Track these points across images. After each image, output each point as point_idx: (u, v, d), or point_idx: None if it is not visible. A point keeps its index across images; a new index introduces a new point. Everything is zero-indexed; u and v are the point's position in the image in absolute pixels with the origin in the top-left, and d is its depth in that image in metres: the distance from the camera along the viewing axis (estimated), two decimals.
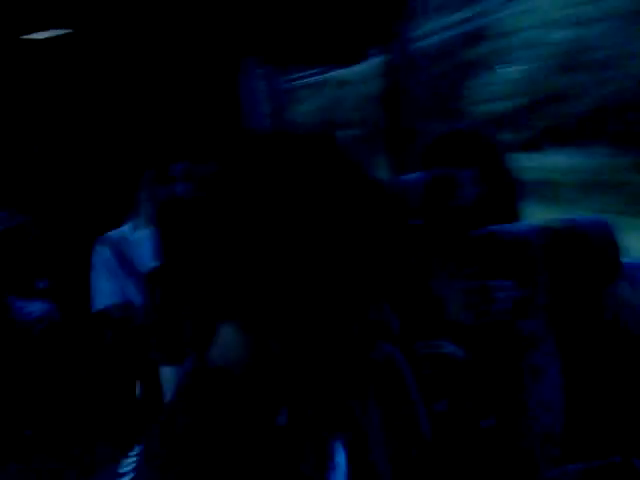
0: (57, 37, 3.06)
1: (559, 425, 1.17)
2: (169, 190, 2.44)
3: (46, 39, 3.06)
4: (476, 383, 1.21)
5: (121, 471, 0.66)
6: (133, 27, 2.99)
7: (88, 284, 2.45)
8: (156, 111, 3.51)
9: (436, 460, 0.95)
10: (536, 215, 1.73)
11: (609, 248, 1.31)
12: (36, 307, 2.11)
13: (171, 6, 2.74)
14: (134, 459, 0.67)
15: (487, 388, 1.17)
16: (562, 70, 10.11)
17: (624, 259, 1.33)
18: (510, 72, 10.92)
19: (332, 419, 0.84)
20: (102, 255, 2.46)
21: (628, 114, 8.90)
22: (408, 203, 2.10)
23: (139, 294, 2.28)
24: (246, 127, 3.68)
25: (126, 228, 2.55)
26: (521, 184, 1.79)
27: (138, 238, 2.47)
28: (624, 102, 8.93)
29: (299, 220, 0.62)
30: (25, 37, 3.03)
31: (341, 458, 0.83)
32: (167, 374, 1.55)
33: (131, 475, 0.65)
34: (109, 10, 2.75)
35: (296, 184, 0.63)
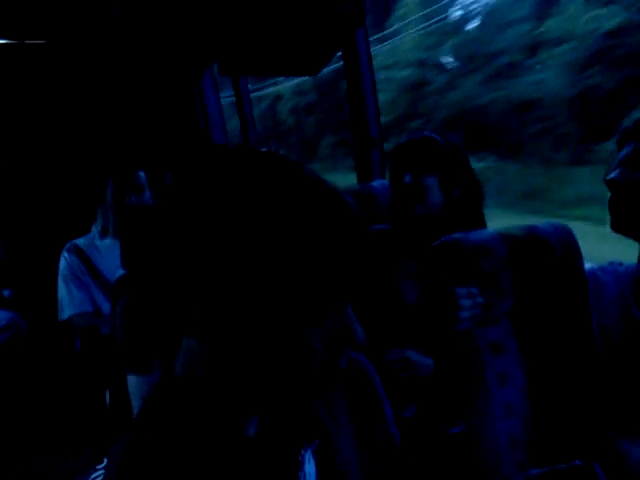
0: (14, 45, 3.02)
1: (525, 430, 1.19)
2: (134, 198, 2.42)
3: (3, 48, 3.02)
4: (443, 389, 1.22)
5: (92, 477, 0.66)
6: (94, 36, 2.96)
7: (54, 292, 2.41)
8: (118, 119, 3.49)
9: (405, 466, 0.96)
10: None
11: (571, 253, 1.33)
12: (2, 316, 2.07)
13: (132, 16, 2.72)
14: (102, 471, 0.67)
15: (454, 394, 1.19)
16: (413, 97, 15.55)
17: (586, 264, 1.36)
18: (380, 96, 14.64)
19: (301, 428, 0.84)
20: (69, 262, 2.43)
21: (458, 129, 13.47)
22: (375, 209, 2.12)
23: (107, 301, 2.25)
24: (205, 136, 3.67)
25: (93, 235, 2.52)
26: (483, 189, 1.82)
27: (106, 245, 2.45)
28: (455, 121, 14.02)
29: (258, 231, 0.62)
30: None
31: (311, 467, 0.83)
32: (134, 383, 1.53)
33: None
34: (71, 21, 2.71)
35: (255, 196, 0.63)
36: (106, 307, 2.29)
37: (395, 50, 16.17)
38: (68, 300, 2.38)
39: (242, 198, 0.63)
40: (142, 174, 2.49)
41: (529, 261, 1.29)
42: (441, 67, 15.84)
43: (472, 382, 1.21)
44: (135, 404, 1.51)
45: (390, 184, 1.83)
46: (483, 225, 1.79)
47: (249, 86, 3.79)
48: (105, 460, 0.68)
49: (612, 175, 1.33)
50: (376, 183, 2.29)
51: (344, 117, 15.17)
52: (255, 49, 2.90)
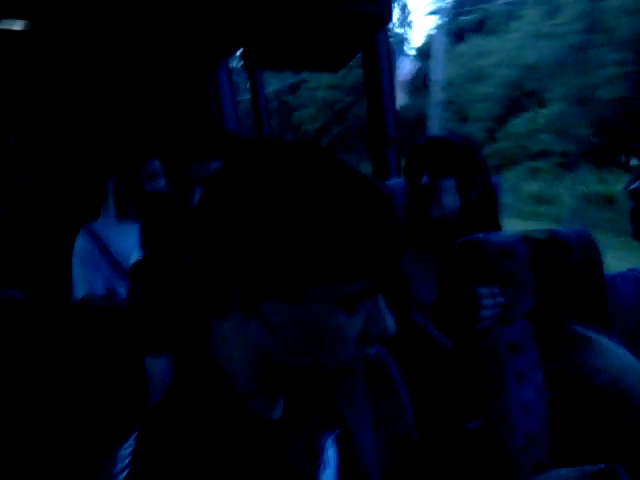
0: (32, 28, 3.01)
1: (543, 429, 1.19)
2: (149, 185, 2.43)
3: (21, 30, 3.01)
4: (461, 385, 1.22)
5: (118, 463, 0.66)
6: (112, 21, 2.96)
7: (67, 275, 2.42)
8: (134, 106, 3.49)
9: (422, 457, 0.96)
10: None
11: (591, 257, 1.34)
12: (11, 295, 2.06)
13: (149, 3, 2.72)
14: (130, 451, 0.67)
15: (472, 390, 1.19)
16: (330, 111, 21.78)
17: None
18: (309, 110, 22.49)
19: (323, 415, 0.85)
20: (85, 244, 2.43)
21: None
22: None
23: (121, 284, 2.26)
24: (219, 127, 3.66)
25: (108, 218, 2.53)
26: (500, 194, 1.82)
27: (121, 229, 2.45)
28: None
29: (304, 219, 0.63)
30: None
31: (332, 453, 0.83)
32: (153, 365, 1.53)
33: (129, 468, 0.65)
34: (87, 3, 2.72)
35: (304, 186, 0.64)
36: (120, 290, 2.29)
37: (319, 76, 21.56)
38: (82, 281, 2.38)
39: (292, 189, 0.64)
40: (156, 162, 2.50)
41: (550, 264, 1.30)
42: (349, 89, 21.13)
43: (490, 380, 1.22)
44: (154, 385, 1.51)
45: (406, 184, 1.83)
46: (499, 229, 1.79)
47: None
48: (131, 439, 0.68)
49: (635, 185, 1.34)
50: (392, 182, 2.29)
51: (294, 121, 22.53)
52: (279, 42, 2.90)
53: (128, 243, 2.27)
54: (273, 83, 19.07)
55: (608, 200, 15.92)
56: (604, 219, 14.99)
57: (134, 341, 1.57)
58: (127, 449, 0.67)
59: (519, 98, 17.81)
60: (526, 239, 1.31)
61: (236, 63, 3.93)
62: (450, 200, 1.72)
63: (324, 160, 0.68)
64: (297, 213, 0.63)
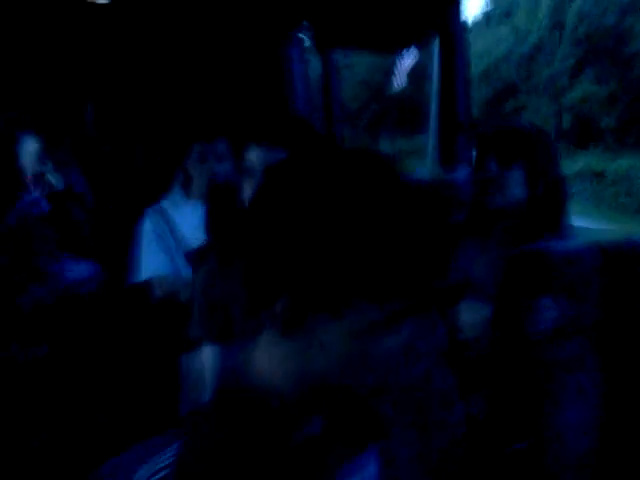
0: (113, 3, 3.05)
1: (595, 451, 1.14)
2: (215, 167, 2.43)
3: (104, 4, 3.06)
4: (511, 401, 1.18)
5: (163, 460, 0.67)
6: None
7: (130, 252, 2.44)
8: (200, 86, 3.50)
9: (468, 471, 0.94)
10: None
11: None
12: (84, 267, 2.10)
13: None
14: (174, 450, 0.68)
15: (522, 407, 1.15)
16: (369, 91, 24.74)
17: None
18: (351, 89, 22.86)
19: (365, 429, 0.84)
20: (152, 222, 2.43)
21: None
22: (455, 200, 2.07)
23: (186, 265, 2.27)
24: (290, 109, 3.64)
25: (175, 198, 2.54)
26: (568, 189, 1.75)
27: (188, 210, 2.45)
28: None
29: (352, 220, 0.61)
30: None
31: (373, 469, 0.82)
32: (209, 353, 1.53)
33: (172, 467, 0.66)
34: None
35: (353, 189, 0.63)
36: (185, 270, 2.29)
37: (359, 58, 21.89)
38: (146, 261, 2.39)
39: (345, 202, 0.62)
40: (223, 144, 2.49)
41: (619, 274, 1.24)
42: (386, 71, 22.20)
43: (545, 395, 1.17)
44: (209, 374, 1.51)
45: (474, 172, 1.78)
46: (563, 229, 1.72)
47: None
48: (176, 430, 0.69)
49: None
50: (461, 172, 2.25)
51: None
52: (348, 19, 2.84)
53: (192, 224, 2.28)
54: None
55: (598, 175, 19.24)
56: (591, 190, 18.96)
57: (190, 327, 1.57)
58: (169, 452, 0.68)
59: (503, 85, 22.08)
60: (598, 249, 1.26)
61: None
62: (516, 191, 1.67)
63: (387, 176, 0.66)
64: (347, 225, 0.61)
